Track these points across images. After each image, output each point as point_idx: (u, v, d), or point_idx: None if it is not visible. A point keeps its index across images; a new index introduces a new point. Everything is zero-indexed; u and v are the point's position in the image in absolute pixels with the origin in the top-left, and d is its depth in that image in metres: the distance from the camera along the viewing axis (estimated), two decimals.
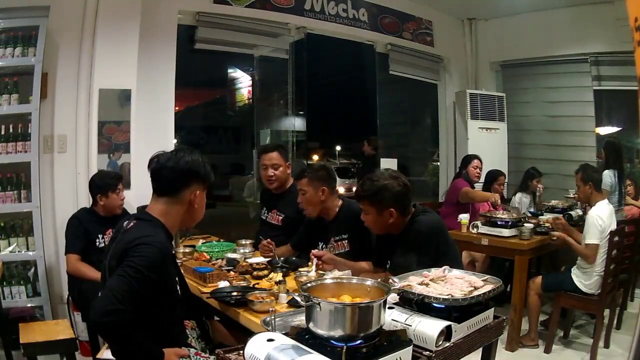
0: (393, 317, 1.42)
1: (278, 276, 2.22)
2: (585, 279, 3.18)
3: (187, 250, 2.79)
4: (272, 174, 3.02)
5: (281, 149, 3.12)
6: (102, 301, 1.45)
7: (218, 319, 2.13)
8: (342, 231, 2.61)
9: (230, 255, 2.61)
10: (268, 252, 2.65)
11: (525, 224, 3.56)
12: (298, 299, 1.79)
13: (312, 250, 2.43)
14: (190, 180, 1.68)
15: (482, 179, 4.64)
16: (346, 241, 2.60)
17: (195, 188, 1.69)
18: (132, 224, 1.66)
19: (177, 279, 1.75)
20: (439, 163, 6.21)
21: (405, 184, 2.14)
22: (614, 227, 3.19)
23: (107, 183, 2.86)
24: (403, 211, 2.12)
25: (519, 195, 4.80)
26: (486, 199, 4.27)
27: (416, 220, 2.11)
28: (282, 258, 2.57)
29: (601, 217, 3.14)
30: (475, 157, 4.64)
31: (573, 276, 3.24)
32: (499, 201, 4.15)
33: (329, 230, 2.67)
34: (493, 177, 4.55)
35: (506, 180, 5.35)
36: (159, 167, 1.68)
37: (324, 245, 2.69)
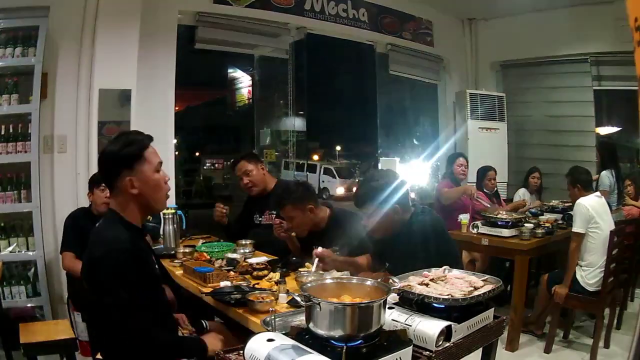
0: (393, 317, 1.42)
1: (277, 276, 2.23)
2: (587, 276, 3.18)
3: (187, 250, 2.78)
4: (247, 180, 3.07)
5: (248, 156, 3.16)
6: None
7: (222, 321, 2.11)
8: (332, 243, 2.49)
9: (230, 255, 2.61)
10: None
11: (525, 224, 3.57)
12: (298, 299, 1.80)
13: (315, 250, 2.35)
14: (116, 169, 1.62)
15: (472, 178, 4.66)
16: (337, 253, 2.49)
17: (124, 174, 1.61)
18: (98, 224, 1.68)
19: (150, 259, 1.73)
20: (439, 163, 6.20)
21: (402, 180, 2.15)
22: (603, 221, 3.19)
23: (94, 179, 2.86)
24: (404, 207, 2.12)
25: (522, 190, 4.87)
26: (460, 193, 4.25)
27: (415, 220, 2.11)
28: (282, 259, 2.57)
29: (586, 206, 3.19)
30: (460, 154, 4.66)
31: (576, 273, 3.25)
32: (474, 193, 4.12)
33: (320, 241, 2.55)
34: (482, 172, 4.55)
35: (506, 181, 5.36)
36: (98, 168, 1.74)
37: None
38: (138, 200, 1.65)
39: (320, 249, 2.36)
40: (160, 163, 1.70)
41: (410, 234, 2.08)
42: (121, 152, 1.62)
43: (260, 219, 3.17)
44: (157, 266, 1.79)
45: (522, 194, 4.83)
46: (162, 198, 1.72)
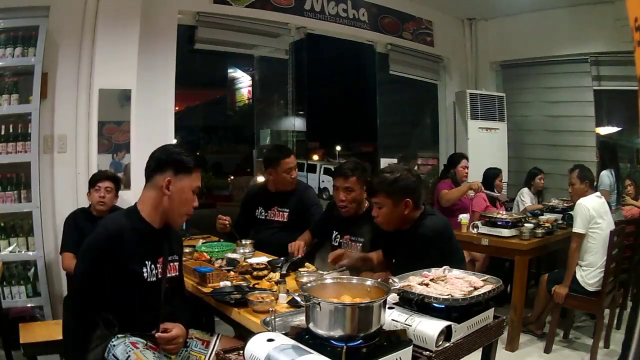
0: (393, 317, 1.42)
1: (277, 276, 2.23)
2: (587, 276, 3.18)
3: (187, 250, 2.78)
4: (295, 175, 3.11)
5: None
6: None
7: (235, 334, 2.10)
8: (360, 234, 2.57)
9: (230, 255, 2.61)
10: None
11: (525, 224, 3.57)
12: (298, 299, 1.79)
13: (336, 252, 2.41)
14: (162, 166, 1.79)
15: (473, 178, 4.67)
16: (360, 245, 2.57)
17: (167, 174, 1.78)
18: None
19: (148, 262, 1.78)
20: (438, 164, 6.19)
21: (418, 176, 2.19)
22: (603, 221, 3.19)
23: (92, 180, 2.91)
24: (416, 204, 2.14)
25: (525, 190, 4.88)
26: (463, 192, 4.24)
27: (422, 223, 2.12)
28: (282, 258, 2.57)
29: (587, 207, 3.19)
30: (464, 156, 4.65)
31: (576, 273, 3.25)
32: (480, 186, 4.10)
33: (347, 225, 2.64)
34: (494, 175, 4.56)
35: (506, 181, 5.36)
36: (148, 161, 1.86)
37: (338, 235, 2.69)
38: (163, 203, 1.79)
39: (340, 250, 2.44)
40: (199, 187, 1.85)
41: (419, 233, 2.09)
42: (179, 156, 1.80)
43: (265, 213, 3.17)
44: (150, 268, 1.78)
45: (525, 194, 4.83)
46: (182, 214, 1.85)
